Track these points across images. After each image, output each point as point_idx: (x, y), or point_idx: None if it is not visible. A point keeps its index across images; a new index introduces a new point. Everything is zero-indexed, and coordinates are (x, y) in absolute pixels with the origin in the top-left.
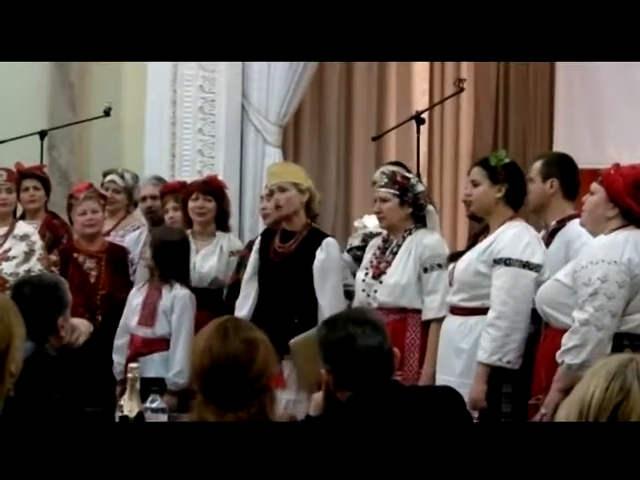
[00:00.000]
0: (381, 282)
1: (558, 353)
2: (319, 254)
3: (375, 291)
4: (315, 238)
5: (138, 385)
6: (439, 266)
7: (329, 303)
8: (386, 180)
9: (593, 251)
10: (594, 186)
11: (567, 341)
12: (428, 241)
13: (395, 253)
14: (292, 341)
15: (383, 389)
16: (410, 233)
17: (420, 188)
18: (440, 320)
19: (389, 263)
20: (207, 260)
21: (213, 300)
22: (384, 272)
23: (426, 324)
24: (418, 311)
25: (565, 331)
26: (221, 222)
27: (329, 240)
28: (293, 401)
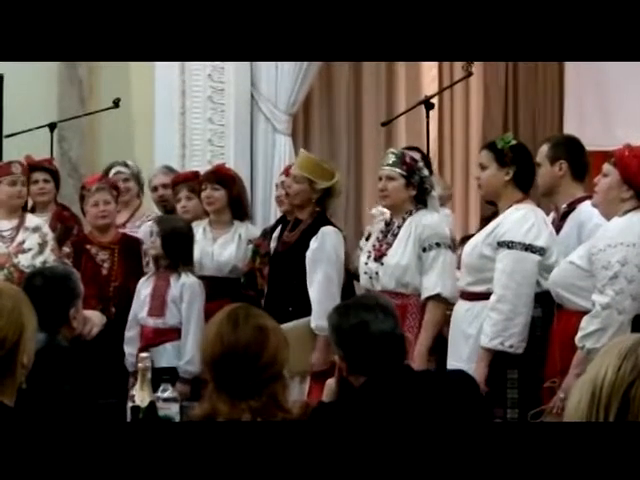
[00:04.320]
0: (382, 264)
1: (577, 337)
2: (312, 243)
3: (376, 273)
4: (316, 227)
5: (149, 375)
6: (437, 245)
7: (317, 294)
8: (394, 159)
9: (610, 234)
10: (607, 167)
11: (587, 325)
12: (427, 221)
13: (396, 235)
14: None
15: (397, 374)
16: (410, 214)
17: (426, 172)
18: (435, 298)
19: (390, 245)
20: (225, 249)
21: (232, 289)
22: (385, 254)
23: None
24: (419, 295)
25: (580, 313)
26: (235, 210)
27: (325, 229)
28: None
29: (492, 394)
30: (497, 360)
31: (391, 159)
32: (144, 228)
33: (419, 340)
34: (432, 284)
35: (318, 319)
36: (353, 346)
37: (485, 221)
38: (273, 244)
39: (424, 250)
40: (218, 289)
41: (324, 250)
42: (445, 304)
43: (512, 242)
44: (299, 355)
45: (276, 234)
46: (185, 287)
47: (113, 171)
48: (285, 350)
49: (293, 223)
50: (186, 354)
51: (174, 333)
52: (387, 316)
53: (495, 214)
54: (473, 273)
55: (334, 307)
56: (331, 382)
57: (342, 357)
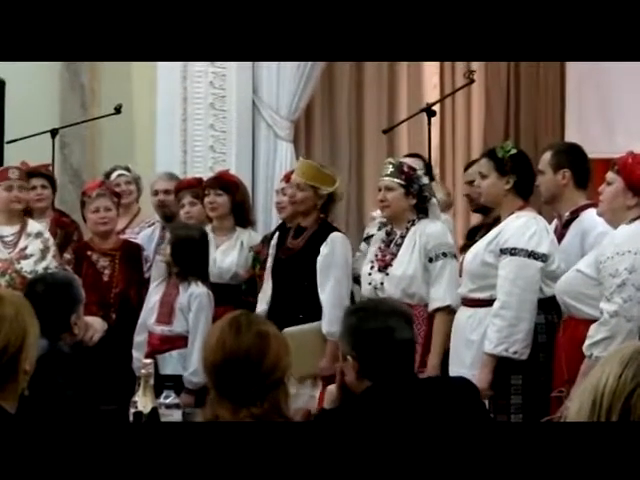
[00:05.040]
0: (387, 274)
1: (585, 345)
2: (323, 249)
3: (382, 283)
4: (323, 233)
5: (152, 381)
6: (444, 255)
7: (329, 298)
8: (392, 169)
9: (617, 241)
10: (610, 175)
11: (595, 333)
12: (431, 230)
13: (399, 245)
14: (287, 331)
15: (401, 381)
16: (413, 224)
17: (425, 180)
18: (444, 309)
19: (394, 255)
20: (227, 255)
21: (234, 295)
22: (390, 264)
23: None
24: (425, 305)
25: (588, 322)
26: (238, 216)
27: (334, 235)
28: (294, 395)
29: (496, 400)
30: (501, 366)
31: (389, 169)
32: (144, 234)
33: (432, 352)
34: (441, 295)
35: (330, 325)
36: (372, 350)
37: (471, 232)
38: (272, 251)
39: (430, 260)
40: (219, 296)
41: (335, 256)
42: (452, 314)
43: (515, 249)
44: (310, 359)
45: (274, 241)
46: (193, 297)
47: (115, 174)
48: (287, 357)
49: (296, 230)
50: (191, 365)
51: (180, 341)
52: (408, 324)
53: (496, 221)
54: (475, 280)
55: (350, 309)
56: (332, 388)
57: (355, 358)
